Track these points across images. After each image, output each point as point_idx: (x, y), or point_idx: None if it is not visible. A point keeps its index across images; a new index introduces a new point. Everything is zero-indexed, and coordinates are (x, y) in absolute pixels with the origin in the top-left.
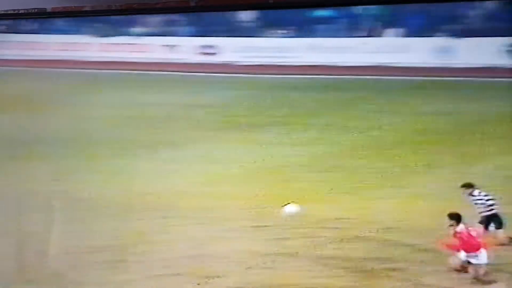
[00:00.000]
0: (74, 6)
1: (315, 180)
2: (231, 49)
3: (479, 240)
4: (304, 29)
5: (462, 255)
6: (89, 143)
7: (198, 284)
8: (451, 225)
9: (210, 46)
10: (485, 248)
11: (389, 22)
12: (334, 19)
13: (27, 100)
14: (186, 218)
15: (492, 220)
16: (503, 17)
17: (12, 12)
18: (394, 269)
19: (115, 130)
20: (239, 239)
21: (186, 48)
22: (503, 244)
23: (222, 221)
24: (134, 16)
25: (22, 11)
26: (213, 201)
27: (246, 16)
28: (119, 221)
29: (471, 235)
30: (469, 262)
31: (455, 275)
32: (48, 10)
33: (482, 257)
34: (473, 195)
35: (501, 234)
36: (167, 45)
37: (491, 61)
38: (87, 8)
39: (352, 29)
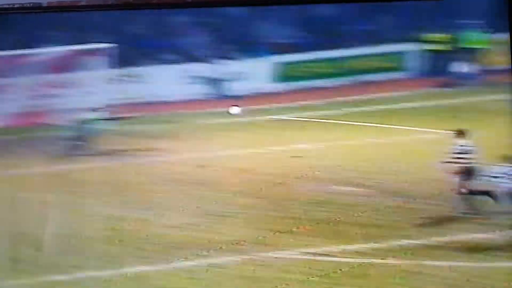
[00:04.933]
0: (70, 1)
1: None
2: None
3: None
4: None
5: None
6: None
7: None
8: None
9: None
10: None
11: None
12: None
13: None
14: None
15: None
16: None
17: (7, 6)
18: None
19: None
20: None
21: None
22: None
23: None
24: None
25: (17, 6)
26: None
27: None
28: None
29: None
30: None
31: None
32: (44, 5)
33: None
34: None
35: None
36: None
37: None
38: (83, 3)
39: None
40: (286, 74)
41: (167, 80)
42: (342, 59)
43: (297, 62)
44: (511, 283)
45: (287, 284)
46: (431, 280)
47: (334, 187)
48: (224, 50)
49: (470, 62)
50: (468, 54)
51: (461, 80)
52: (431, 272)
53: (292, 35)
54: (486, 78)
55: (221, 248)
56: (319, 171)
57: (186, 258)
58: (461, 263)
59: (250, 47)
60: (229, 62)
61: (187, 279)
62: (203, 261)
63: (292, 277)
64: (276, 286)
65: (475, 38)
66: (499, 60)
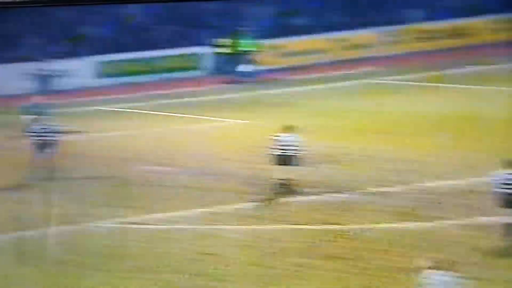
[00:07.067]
0: None
1: None
2: None
3: None
4: None
5: None
6: None
7: None
8: None
9: None
10: None
11: None
12: None
13: None
14: None
15: None
16: None
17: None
18: None
19: None
20: None
21: None
22: None
23: None
24: None
25: None
26: None
27: None
28: None
29: None
30: None
31: None
32: None
33: None
34: None
35: None
36: None
37: None
38: None
39: None
40: (107, 72)
41: (9, 77)
42: (151, 59)
43: (116, 61)
44: None
45: None
46: None
47: (147, 167)
48: (54, 50)
49: (250, 63)
50: (247, 56)
51: (245, 78)
52: None
53: (112, 36)
54: (262, 77)
55: None
56: (134, 153)
57: None
58: None
59: (76, 47)
60: (57, 61)
61: None
62: None
63: None
64: None
65: (248, 43)
66: (271, 61)
